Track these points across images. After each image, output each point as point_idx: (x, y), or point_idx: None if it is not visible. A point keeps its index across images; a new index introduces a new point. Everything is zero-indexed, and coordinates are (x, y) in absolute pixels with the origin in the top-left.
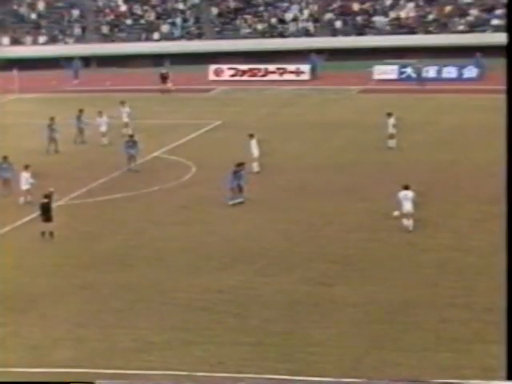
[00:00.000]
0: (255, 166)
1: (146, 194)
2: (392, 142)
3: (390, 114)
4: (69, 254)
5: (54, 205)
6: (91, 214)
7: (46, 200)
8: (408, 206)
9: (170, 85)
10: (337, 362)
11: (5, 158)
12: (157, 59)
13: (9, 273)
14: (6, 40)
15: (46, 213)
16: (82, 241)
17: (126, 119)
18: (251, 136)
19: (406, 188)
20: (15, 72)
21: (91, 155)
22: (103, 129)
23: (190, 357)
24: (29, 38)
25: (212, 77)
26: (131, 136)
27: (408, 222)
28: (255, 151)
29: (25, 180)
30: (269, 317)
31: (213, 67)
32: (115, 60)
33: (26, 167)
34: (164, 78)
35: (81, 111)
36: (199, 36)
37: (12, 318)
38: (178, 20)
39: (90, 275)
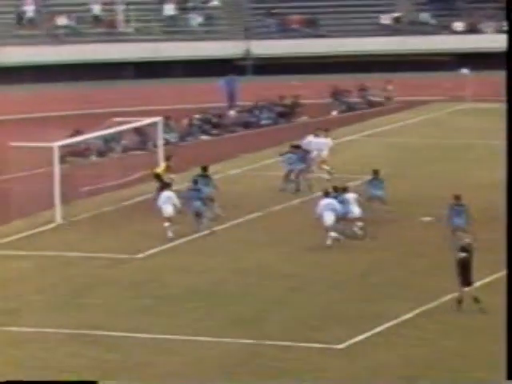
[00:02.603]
0: None
1: None
2: None
3: None
4: None
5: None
6: None
7: (463, 254)
8: None
9: None
10: None
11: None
12: None
13: None
14: (458, 26)
15: (466, 272)
16: None
17: (325, 152)
18: None
19: None
20: (465, 71)
21: None
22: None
23: None
24: (490, 24)
25: None
26: None
27: None
28: None
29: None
30: None
31: None
32: None
33: (344, 189)
34: None
35: None
36: None
37: None
38: None
39: None
